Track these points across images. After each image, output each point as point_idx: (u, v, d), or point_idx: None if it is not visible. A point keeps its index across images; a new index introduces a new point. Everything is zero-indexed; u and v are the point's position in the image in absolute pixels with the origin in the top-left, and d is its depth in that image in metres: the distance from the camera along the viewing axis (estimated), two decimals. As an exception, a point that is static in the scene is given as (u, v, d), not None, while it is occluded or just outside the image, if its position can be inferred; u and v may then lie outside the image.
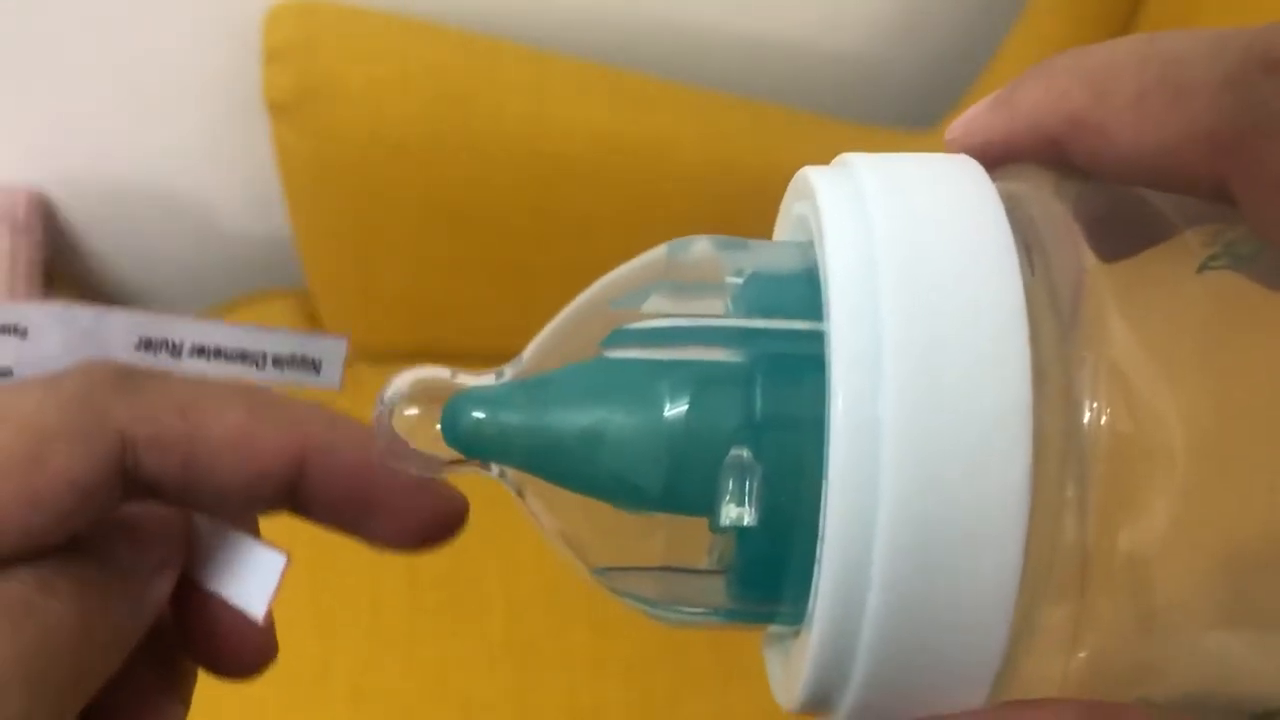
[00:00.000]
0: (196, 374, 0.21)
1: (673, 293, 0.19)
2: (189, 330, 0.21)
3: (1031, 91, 0.18)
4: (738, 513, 0.17)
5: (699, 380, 0.17)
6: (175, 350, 0.21)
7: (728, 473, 0.17)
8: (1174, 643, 0.18)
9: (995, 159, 0.19)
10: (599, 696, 0.71)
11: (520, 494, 0.19)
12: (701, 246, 0.19)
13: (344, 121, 0.76)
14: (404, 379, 0.19)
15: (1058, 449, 0.16)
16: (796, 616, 0.18)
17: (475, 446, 0.19)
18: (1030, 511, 0.16)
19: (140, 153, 0.88)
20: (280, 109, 0.75)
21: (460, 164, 0.77)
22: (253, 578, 0.21)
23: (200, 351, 0.21)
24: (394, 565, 0.75)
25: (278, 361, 0.21)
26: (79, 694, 0.19)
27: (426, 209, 0.79)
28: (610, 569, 0.19)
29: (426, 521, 0.21)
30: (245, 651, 0.21)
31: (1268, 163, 0.15)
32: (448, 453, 0.19)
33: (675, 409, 0.17)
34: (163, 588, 0.21)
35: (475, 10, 0.80)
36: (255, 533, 0.22)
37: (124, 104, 0.85)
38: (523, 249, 0.80)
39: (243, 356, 0.21)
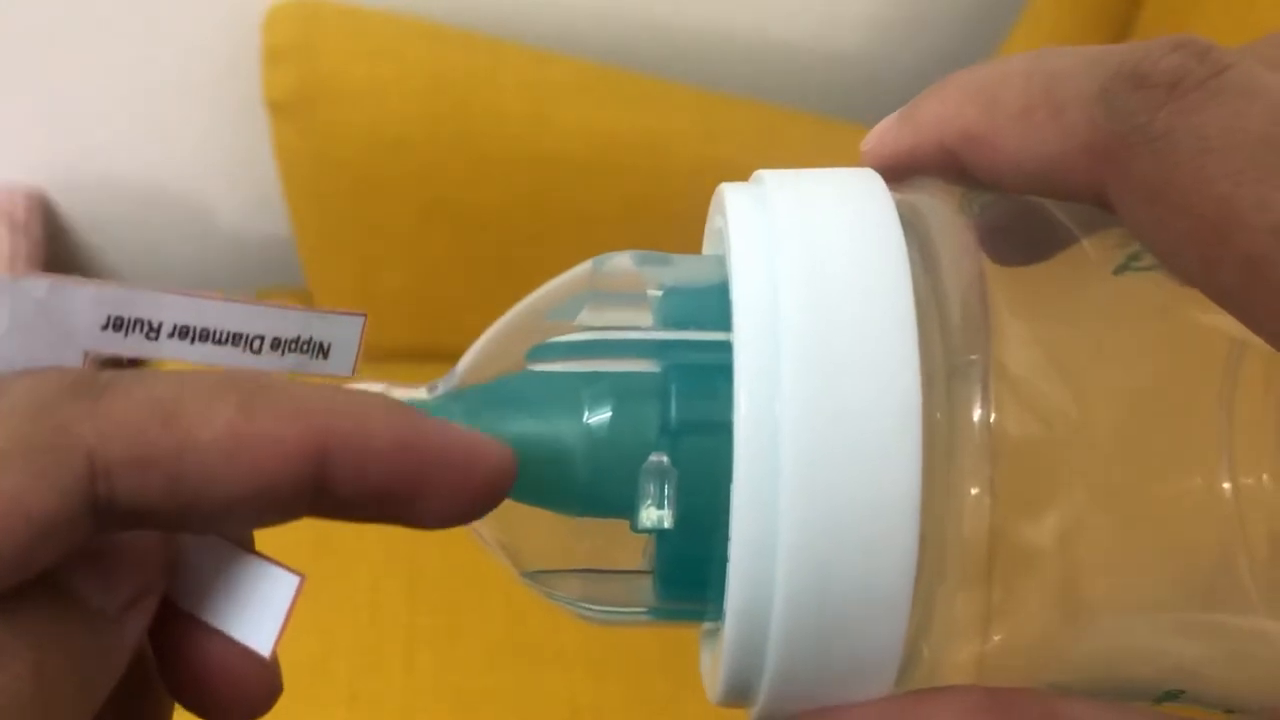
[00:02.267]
0: (176, 360, 0.17)
1: (598, 305, 0.20)
2: (170, 307, 0.17)
3: (930, 106, 0.19)
4: (657, 515, 0.18)
5: (618, 390, 0.19)
6: (152, 331, 0.17)
7: (646, 477, 0.18)
8: (1082, 628, 0.19)
9: (903, 171, 0.20)
10: (599, 696, 0.71)
11: None
12: (623, 261, 0.20)
13: (344, 121, 0.76)
14: None
15: (948, 448, 0.17)
16: (720, 613, 0.18)
17: None
18: (921, 507, 0.17)
19: (140, 153, 0.88)
20: (280, 109, 0.75)
21: (460, 164, 0.77)
22: (258, 606, 0.17)
23: (183, 333, 0.17)
24: (394, 565, 0.75)
25: (277, 344, 0.17)
26: None
27: (426, 208, 0.79)
28: (541, 572, 0.20)
29: (480, 489, 0.18)
30: (247, 693, 0.18)
31: (1135, 171, 0.16)
32: None
33: (596, 418, 0.18)
34: (138, 625, 0.17)
35: (475, 10, 0.80)
36: (250, 546, 0.18)
37: (124, 104, 0.85)
38: (523, 248, 0.80)
39: (234, 339, 0.17)
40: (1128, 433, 0.19)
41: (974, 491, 0.17)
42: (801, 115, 0.83)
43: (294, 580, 0.17)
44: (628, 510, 0.18)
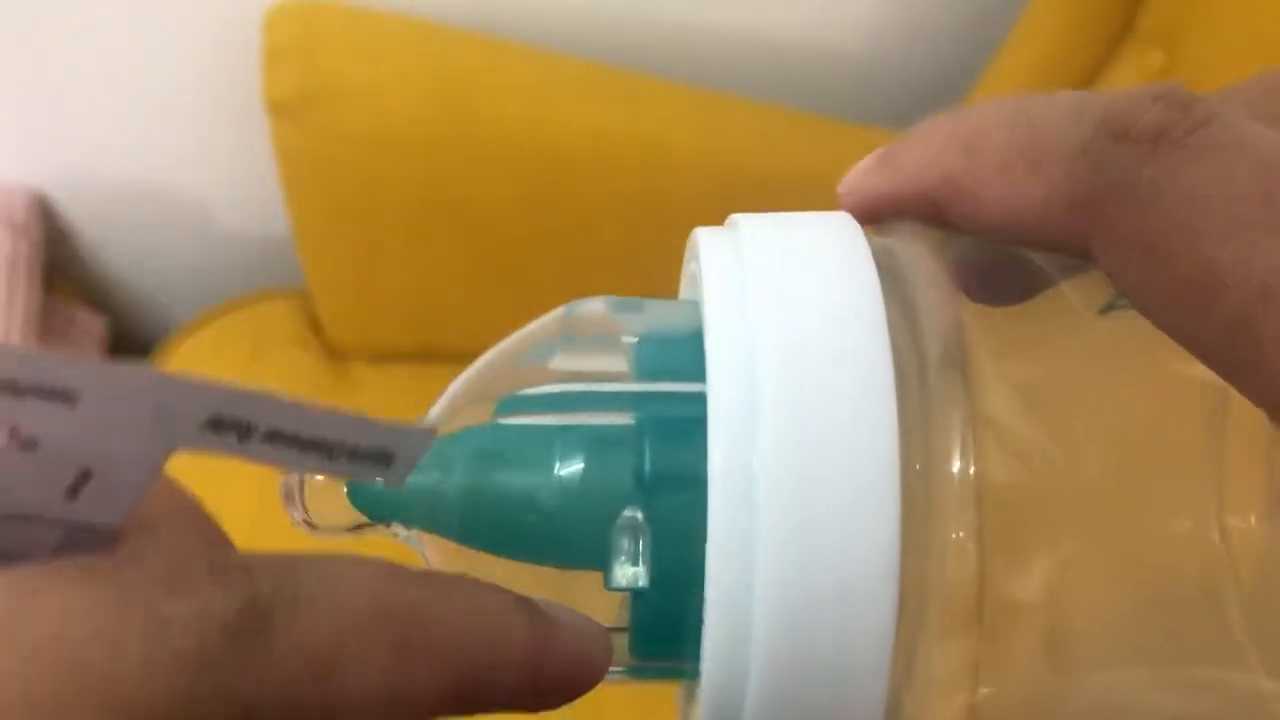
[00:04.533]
0: (260, 460, 0.17)
1: (571, 351, 0.19)
2: (268, 411, 0.17)
3: (911, 150, 0.19)
4: (631, 573, 0.18)
5: (590, 444, 0.18)
6: (245, 433, 0.17)
7: (619, 534, 0.18)
8: (1071, 681, 0.18)
9: (880, 214, 0.20)
10: (599, 696, 0.71)
11: (424, 553, 0.20)
12: (596, 307, 0.20)
13: (344, 121, 0.76)
14: None
15: (926, 498, 0.17)
16: (696, 671, 0.18)
17: (380, 508, 0.19)
18: (901, 559, 0.16)
19: (140, 153, 0.88)
20: (280, 109, 0.75)
21: (460, 164, 0.77)
22: None
23: (273, 437, 0.17)
24: (394, 565, 0.75)
25: (354, 453, 0.18)
26: None
27: (426, 209, 0.79)
28: None
29: (587, 685, 0.18)
30: None
31: (1119, 226, 0.16)
32: (354, 516, 0.19)
33: (568, 471, 0.18)
34: None
35: (475, 10, 0.80)
36: None
37: (124, 104, 0.85)
38: (523, 249, 0.80)
39: (316, 446, 0.18)
40: (1114, 476, 0.18)
41: (956, 541, 0.17)
42: (801, 115, 0.83)
43: None
44: (601, 565, 0.18)
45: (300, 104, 0.75)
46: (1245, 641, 0.18)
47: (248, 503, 0.77)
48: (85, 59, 0.82)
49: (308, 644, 0.15)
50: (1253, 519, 0.18)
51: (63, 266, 0.92)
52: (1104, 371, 0.19)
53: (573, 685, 0.18)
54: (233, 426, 0.17)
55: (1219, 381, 0.17)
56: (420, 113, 0.76)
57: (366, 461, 0.18)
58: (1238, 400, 0.18)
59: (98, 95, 0.84)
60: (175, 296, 0.97)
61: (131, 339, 0.97)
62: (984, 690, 0.18)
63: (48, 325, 0.85)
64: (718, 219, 0.21)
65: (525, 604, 0.17)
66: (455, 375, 0.20)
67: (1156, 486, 0.19)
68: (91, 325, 0.90)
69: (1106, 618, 0.18)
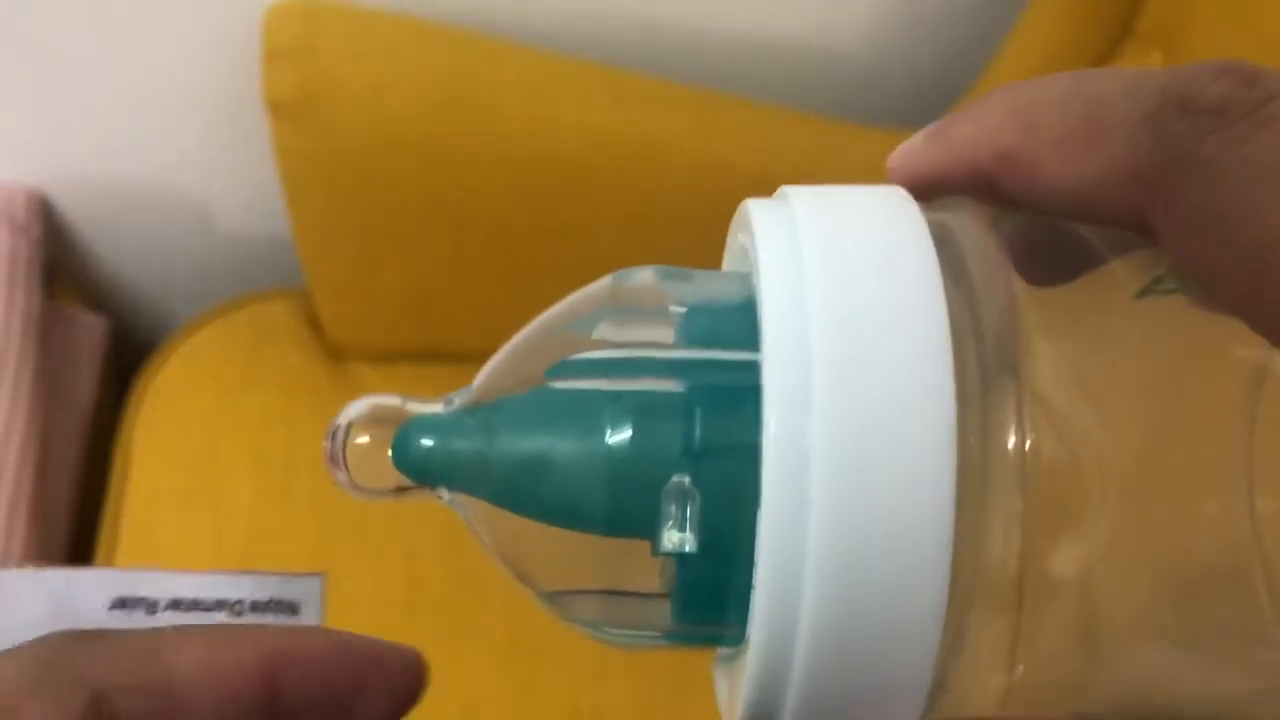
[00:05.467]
0: (176, 625, 0.20)
1: (619, 321, 0.19)
2: (161, 584, 0.20)
3: (965, 126, 0.19)
4: (679, 538, 0.18)
5: (640, 410, 0.18)
6: (151, 607, 0.20)
7: (668, 499, 0.18)
8: (1108, 658, 0.18)
9: (932, 189, 0.20)
10: (599, 696, 0.71)
11: (468, 519, 0.20)
12: (645, 277, 0.20)
13: (344, 121, 0.76)
14: (357, 407, 0.20)
15: (982, 473, 0.17)
16: (739, 638, 0.18)
17: (424, 473, 0.19)
18: (954, 533, 0.16)
19: (140, 152, 0.88)
20: (280, 109, 0.75)
21: (460, 164, 0.77)
22: None
23: (176, 605, 0.20)
24: (394, 565, 0.75)
25: (256, 607, 0.21)
26: None
27: (426, 209, 0.79)
28: (557, 593, 0.20)
29: (406, 684, 0.21)
30: None
31: (1181, 199, 0.16)
32: (398, 479, 0.20)
33: (617, 437, 0.18)
34: None
35: (475, 10, 0.80)
36: None
37: (124, 104, 0.85)
38: (523, 249, 0.80)
39: (219, 605, 0.20)
40: (1152, 459, 0.18)
41: (1006, 517, 0.17)
42: (801, 115, 0.83)
43: None
44: (648, 532, 0.18)
45: (300, 104, 0.75)
46: (1273, 620, 0.18)
47: (248, 500, 0.77)
48: (85, 59, 0.82)
49: (136, 640, 0.19)
50: None
51: (63, 266, 0.92)
52: (1145, 353, 0.19)
53: (391, 673, 0.21)
54: (138, 603, 0.20)
55: (1256, 366, 0.18)
56: (420, 113, 0.76)
57: (270, 612, 0.20)
58: (1272, 385, 0.18)
59: (98, 95, 0.84)
60: (175, 296, 0.97)
61: (131, 339, 0.96)
62: (1022, 667, 0.18)
63: (48, 325, 0.85)
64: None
65: (328, 628, 0.21)
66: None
67: (1190, 469, 0.18)
68: (91, 325, 0.90)
69: (1139, 597, 0.18)
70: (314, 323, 0.87)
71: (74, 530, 0.83)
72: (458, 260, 0.81)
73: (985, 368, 0.17)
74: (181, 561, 0.75)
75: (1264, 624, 0.18)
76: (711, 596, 0.18)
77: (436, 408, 0.20)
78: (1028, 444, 0.17)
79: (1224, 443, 0.18)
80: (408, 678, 0.21)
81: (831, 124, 0.82)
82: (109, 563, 0.75)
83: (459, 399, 0.20)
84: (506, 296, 0.81)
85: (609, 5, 0.82)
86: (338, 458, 0.20)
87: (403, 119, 0.76)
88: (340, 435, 0.20)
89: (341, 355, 0.85)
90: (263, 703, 0.20)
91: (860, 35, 0.86)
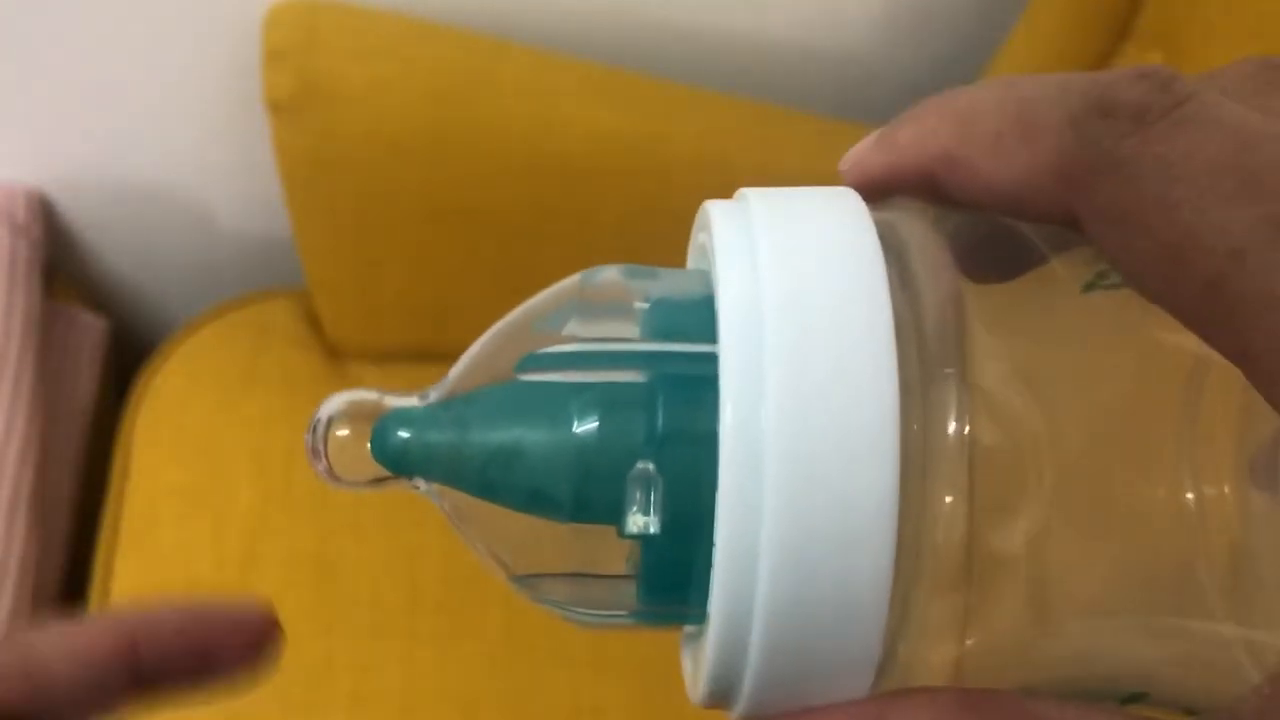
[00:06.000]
0: None
1: (586, 317, 0.20)
2: None
3: (907, 130, 0.20)
4: (643, 521, 0.19)
5: (605, 400, 0.19)
6: None
7: (633, 485, 0.19)
8: (1052, 631, 0.19)
9: (880, 191, 0.21)
10: (599, 696, 0.71)
11: (443, 506, 0.21)
12: (611, 275, 0.21)
13: (344, 121, 0.76)
14: (336, 401, 0.21)
15: (924, 457, 0.18)
16: (701, 617, 0.19)
17: (401, 464, 0.20)
18: (899, 513, 0.17)
19: (140, 153, 0.88)
20: (280, 109, 0.75)
21: (460, 164, 0.77)
22: None
23: None
24: (394, 565, 0.75)
25: None
26: None
27: (426, 208, 0.79)
28: (528, 576, 0.21)
29: (254, 647, 0.23)
30: None
31: (1103, 196, 0.17)
32: (376, 470, 0.21)
33: (584, 427, 0.19)
34: None
35: (475, 10, 0.80)
36: None
37: (124, 104, 0.85)
38: (523, 249, 0.80)
39: None
40: (1094, 445, 0.20)
41: (949, 499, 0.18)
42: (801, 115, 0.83)
43: None
44: (614, 516, 0.19)
45: (300, 104, 0.75)
46: (1214, 595, 0.19)
47: (248, 500, 0.77)
48: (86, 59, 0.82)
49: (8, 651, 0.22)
50: (1226, 487, 0.19)
51: (63, 266, 0.92)
52: (1088, 345, 0.20)
53: (243, 627, 0.23)
54: None
55: (1198, 357, 0.19)
56: (420, 113, 0.76)
57: None
58: (1214, 373, 0.19)
59: (98, 95, 0.84)
60: (175, 296, 0.97)
61: (131, 339, 0.97)
62: (970, 640, 0.19)
63: (48, 325, 0.85)
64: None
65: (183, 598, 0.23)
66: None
67: (1133, 456, 0.20)
68: (91, 325, 0.90)
69: (1084, 575, 0.20)
70: (314, 323, 0.87)
71: (74, 530, 0.83)
72: (458, 260, 0.81)
73: (928, 359, 0.18)
74: (181, 561, 0.75)
75: (1203, 599, 0.19)
76: (674, 577, 0.19)
77: (412, 401, 0.21)
78: (967, 429, 0.18)
79: (1167, 429, 0.19)
80: (255, 625, 0.23)
81: (832, 124, 0.82)
82: (109, 562, 0.75)
83: (434, 393, 0.21)
84: (507, 296, 0.81)
85: (609, 5, 0.82)
86: (319, 450, 0.21)
87: (403, 119, 0.76)
88: (321, 428, 0.21)
89: (341, 355, 0.85)
90: (124, 667, 0.22)
91: (860, 35, 0.86)
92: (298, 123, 0.75)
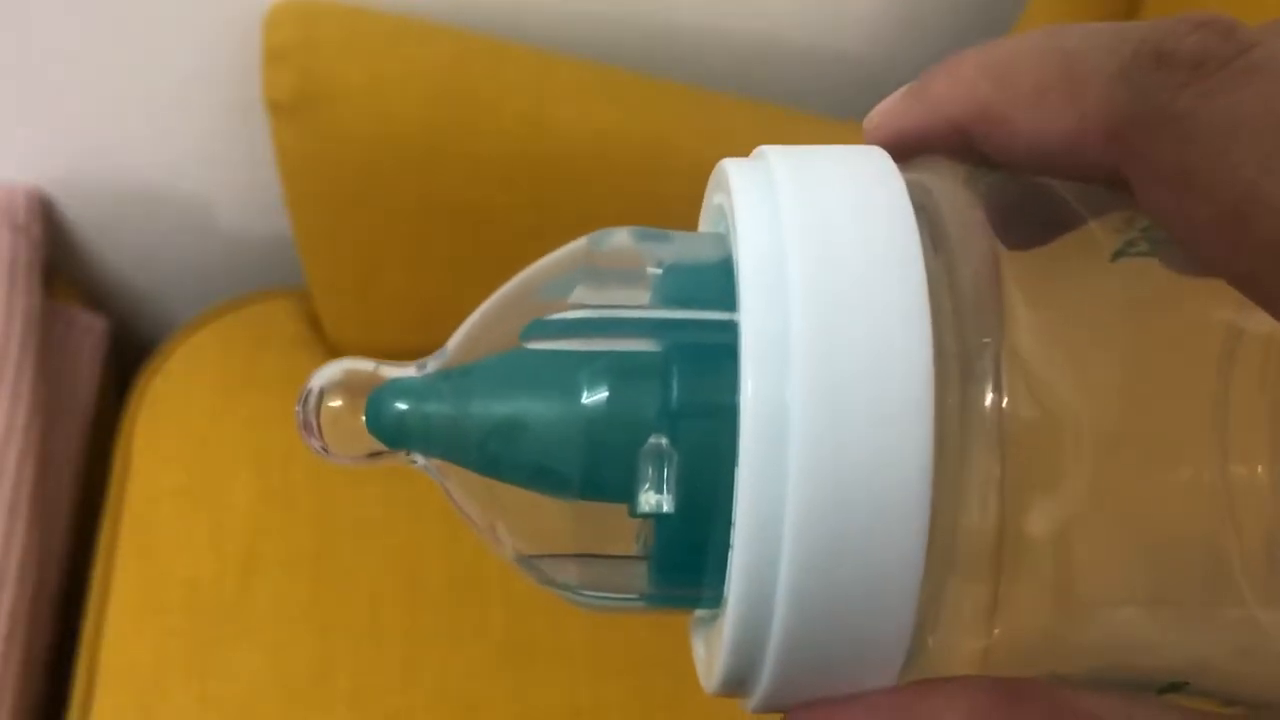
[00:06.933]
0: None
1: (594, 283, 0.19)
2: None
3: (941, 83, 0.19)
4: (656, 499, 0.18)
5: (616, 370, 0.18)
6: None
7: (645, 460, 0.18)
8: (1084, 619, 0.18)
9: (909, 149, 0.19)
10: (599, 696, 0.71)
11: (444, 483, 0.20)
12: (621, 238, 0.20)
13: (344, 121, 0.76)
14: (329, 371, 0.20)
15: (960, 433, 0.17)
16: (716, 600, 0.18)
17: (398, 437, 0.19)
18: (931, 494, 0.16)
19: (140, 152, 0.88)
20: (280, 109, 0.75)
21: (461, 164, 0.77)
22: None
23: None
24: (394, 565, 0.75)
25: None
26: None
27: (427, 209, 0.79)
28: (532, 556, 0.20)
29: None
30: None
31: (1156, 154, 0.16)
32: (372, 444, 0.19)
33: (593, 398, 0.18)
34: None
35: (475, 10, 0.80)
36: None
37: (124, 104, 0.85)
38: (523, 249, 0.80)
39: None
40: (1126, 422, 0.18)
41: (984, 480, 0.17)
42: (801, 115, 0.83)
43: None
44: (625, 494, 0.18)
45: (300, 104, 0.75)
46: (1245, 581, 0.18)
47: (248, 500, 0.77)
48: (85, 59, 0.82)
49: None
50: (1259, 468, 0.18)
51: (63, 266, 0.92)
52: (1121, 317, 0.19)
53: None
54: None
55: (1230, 330, 0.17)
56: (420, 113, 0.76)
57: None
58: (1247, 349, 0.18)
59: (98, 95, 0.84)
60: (175, 296, 0.97)
61: (131, 339, 0.97)
62: (999, 629, 0.18)
63: (48, 325, 0.85)
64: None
65: None
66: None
67: (1164, 432, 0.18)
68: (91, 325, 0.90)
69: (1115, 559, 0.18)
70: (314, 323, 0.87)
71: (74, 530, 0.83)
72: (458, 260, 0.81)
73: (964, 328, 0.17)
74: (181, 561, 0.75)
75: (1236, 585, 0.18)
76: (689, 558, 0.18)
77: (410, 371, 0.19)
78: (1005, 404, 0.17)
79: (1198, 406, 0.18)
80: None
81: (832, 124, 0.82)
82: (109, 562, 0.75)
83: (433, 363, 0.20)
84: (506, 296, 0.81)
85: (609, 5, 0.82)
86: (310, 423, 0.19)
87: (403, 119, 0.76)
88: (313, 400, 0.19)
89: (341, 355, 0.85)
90: None
91: (860, 35, 0.86)
92: (298, 123, 0.75)
